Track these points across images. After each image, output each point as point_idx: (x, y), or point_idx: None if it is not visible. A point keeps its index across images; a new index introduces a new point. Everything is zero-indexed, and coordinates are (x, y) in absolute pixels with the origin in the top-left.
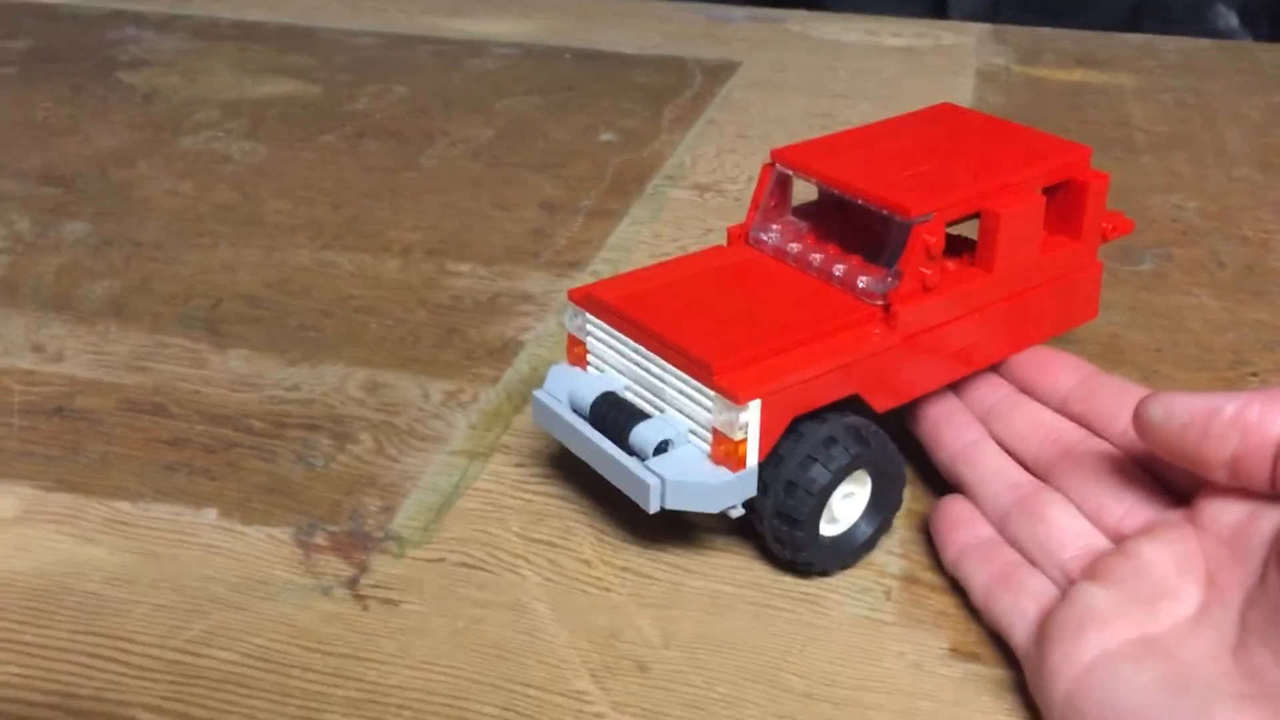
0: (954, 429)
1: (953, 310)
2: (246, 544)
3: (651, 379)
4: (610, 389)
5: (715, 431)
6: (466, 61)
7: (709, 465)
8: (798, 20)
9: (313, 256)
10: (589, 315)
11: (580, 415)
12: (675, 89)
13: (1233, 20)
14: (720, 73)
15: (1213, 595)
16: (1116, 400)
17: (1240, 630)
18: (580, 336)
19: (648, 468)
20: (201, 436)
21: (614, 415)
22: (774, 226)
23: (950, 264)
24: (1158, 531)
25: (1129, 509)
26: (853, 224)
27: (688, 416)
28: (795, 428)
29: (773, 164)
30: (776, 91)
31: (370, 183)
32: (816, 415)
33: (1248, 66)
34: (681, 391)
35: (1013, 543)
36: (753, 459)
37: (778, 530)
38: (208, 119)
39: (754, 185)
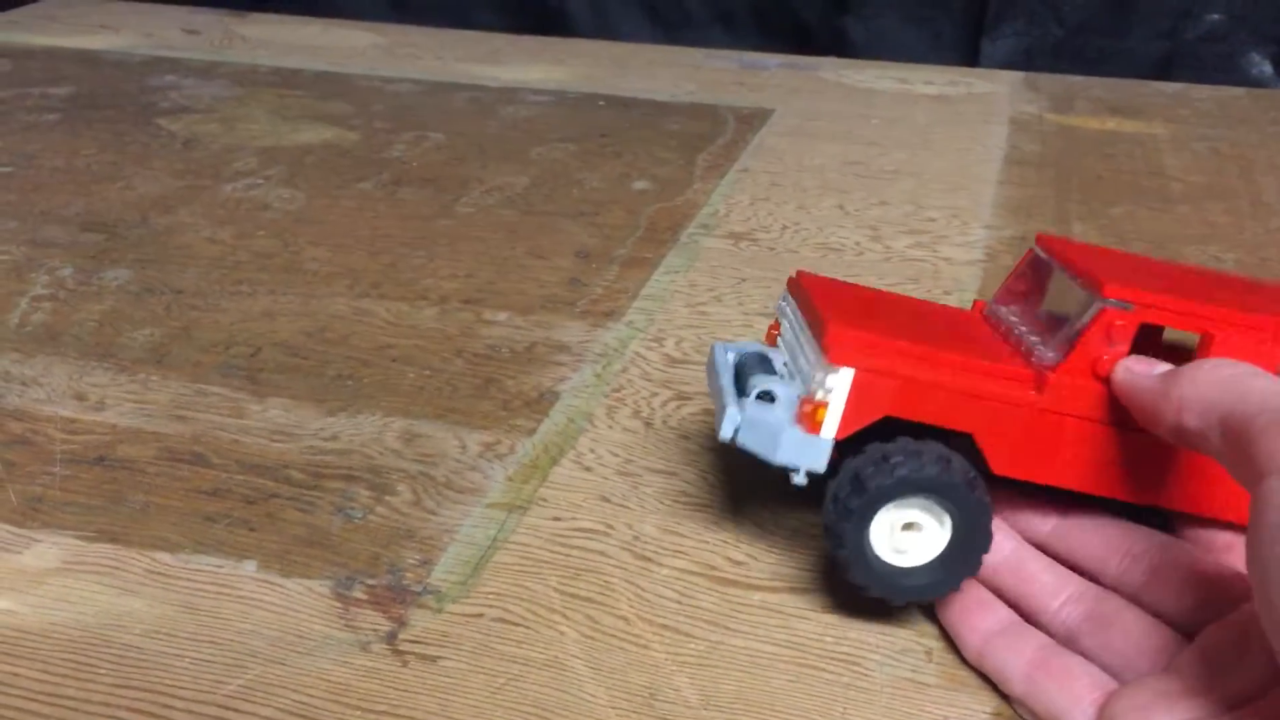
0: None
1: (1126, 417)
2: (286, 597)
3: (797, 348)
4: (764, 354)
5: (807, 392)
6: (501, 108)
7: (788, 420)
8: (830, 68)
9: (350, 305)
10: (788, 296)
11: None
12: (709, 136)
13: (1266, 69)
14: (753, 120)
15: None
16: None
17: None
18: (780, 317)
19: (739, 404)
20: (241, 487)
21: (748, 369)
22: (1011, 307)
23: None
24: (1229, 618)
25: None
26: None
27: (804, 385)
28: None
29: (1031, 250)
30: (810, 140)
31: (407, 230)
32: (905, 432)
33: None
34: (808, 359)
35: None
36: (829, 430)
37: (826, 537)
38: (246, 166)
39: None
